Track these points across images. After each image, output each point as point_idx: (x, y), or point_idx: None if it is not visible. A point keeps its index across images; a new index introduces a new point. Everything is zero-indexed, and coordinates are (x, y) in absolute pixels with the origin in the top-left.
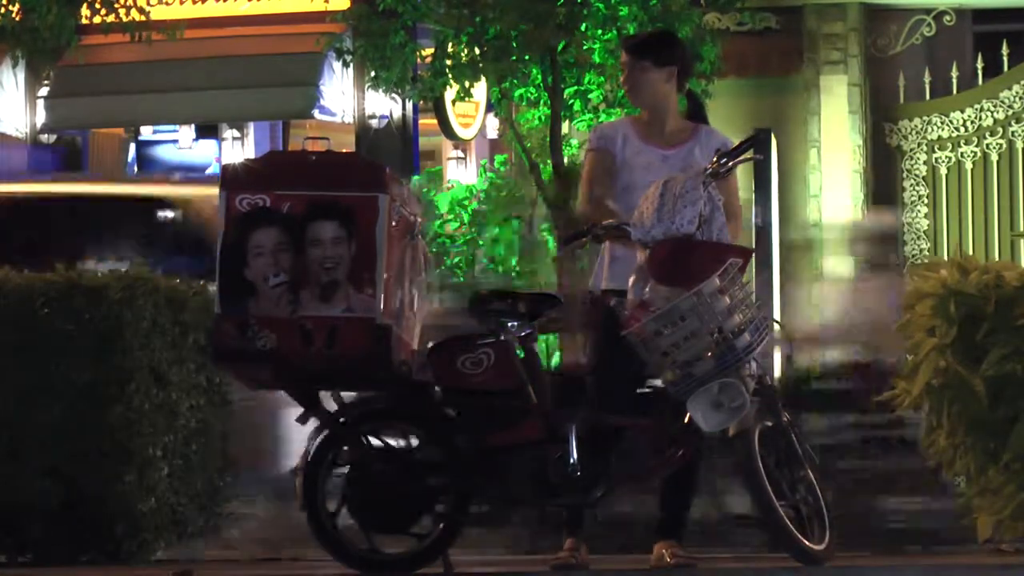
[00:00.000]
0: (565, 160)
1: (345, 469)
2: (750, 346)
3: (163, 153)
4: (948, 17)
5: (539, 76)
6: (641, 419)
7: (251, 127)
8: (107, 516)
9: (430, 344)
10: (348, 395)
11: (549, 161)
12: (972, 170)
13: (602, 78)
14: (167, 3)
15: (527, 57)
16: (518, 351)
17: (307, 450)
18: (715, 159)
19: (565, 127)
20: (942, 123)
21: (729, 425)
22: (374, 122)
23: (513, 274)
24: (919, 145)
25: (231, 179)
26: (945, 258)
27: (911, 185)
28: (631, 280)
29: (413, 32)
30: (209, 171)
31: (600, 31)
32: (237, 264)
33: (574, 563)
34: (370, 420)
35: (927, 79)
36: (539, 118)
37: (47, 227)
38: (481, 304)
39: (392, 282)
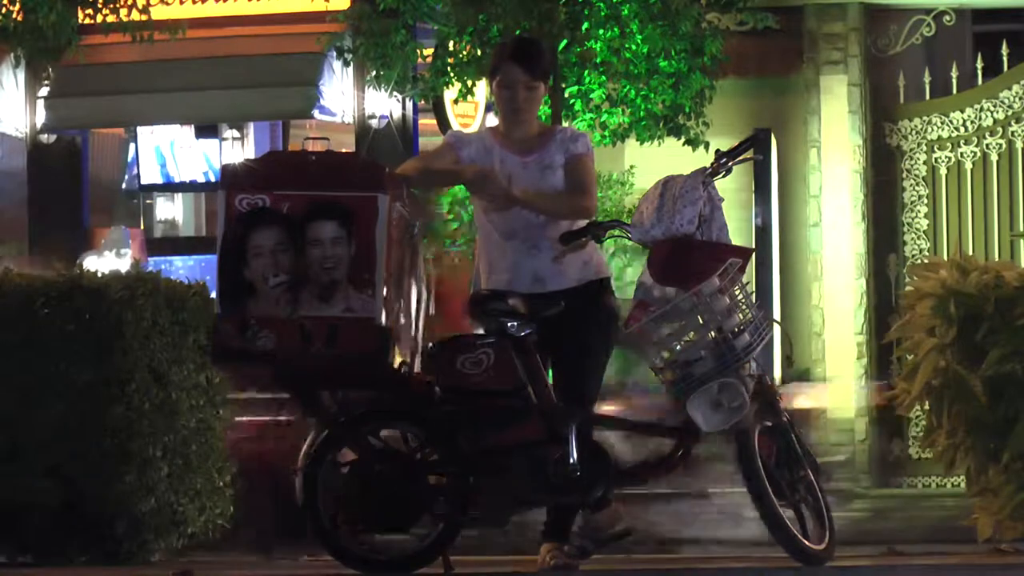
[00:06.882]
0: None
1: (345, 469)
2: (750, 346)
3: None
4: (948, 17)
5: None
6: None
7: (251, 127)
8: (107, 516)
9: (430, 344)
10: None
11: None
12: (972, 170)
13: (604, 77)
14: (167, 3)
15: None
16: (518, 351)
17: (307, 450)
18: (715, 159)
19: (567, 126)
20: (942, 123)
21: (729, 425)
22: (374, 122)
23: None
24: (919, 145)
25: (231, 179)
26: (945, 258)
27: (911, 185)
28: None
29: (414, 31)
30: None
31: (602, 30)
32: (237, 264)
33: (568, 563)
34: (370, 420)
35: (927, 79)
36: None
37: None
38: (481, 304)
39: (392, 282)
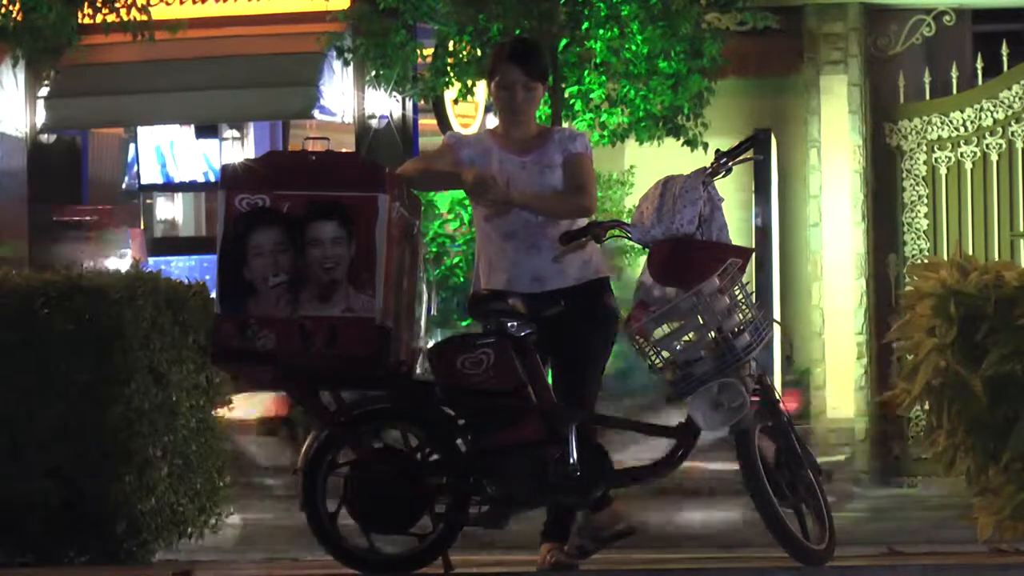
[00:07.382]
0: None
1: (345, 469)
2: (750, 346)
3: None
4: (948, 17)
5: None
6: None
7: (251, 127)
8: (107, 516)
9: (431, 344)
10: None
11: None
12: (972, 170)
13: (603, 78)
14: (167, 3)
15: None
16: (518, 351)
17: (307, 450)
18: (715, 159)
19: (566, 127)
20: (942, 123)
21: (729, 425)
22: (374, 122)
23: None
24: (919, 145)
25: (231, 179)
26: (945, 258)
27: (911, 185)
28: (638, 280)
29: (414, 31)
30: None
31: (602, 30)
32: (237, 264)
33: (567, 561)
34: (370, 420)
35: (927, 79)
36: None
37: None
38: (481, 304)
39: (391, 282)
